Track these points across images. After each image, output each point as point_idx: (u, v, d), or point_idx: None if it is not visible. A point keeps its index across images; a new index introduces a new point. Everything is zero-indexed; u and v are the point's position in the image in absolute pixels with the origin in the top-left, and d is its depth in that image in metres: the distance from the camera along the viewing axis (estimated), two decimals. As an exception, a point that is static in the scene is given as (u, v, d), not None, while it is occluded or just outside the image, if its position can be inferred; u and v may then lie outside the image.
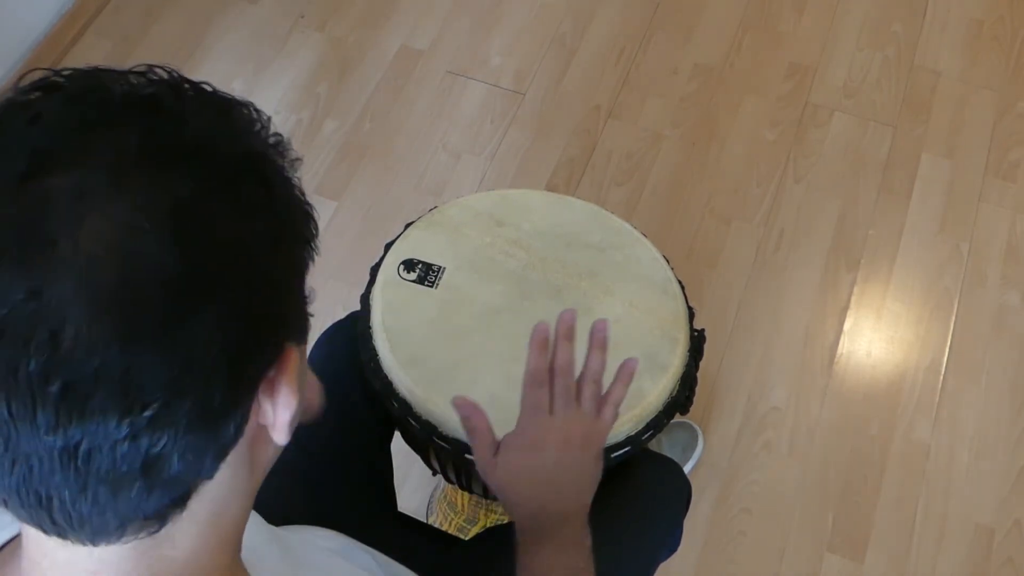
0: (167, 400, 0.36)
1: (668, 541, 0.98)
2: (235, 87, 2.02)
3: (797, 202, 1.82)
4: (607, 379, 0.76)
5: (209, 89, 0.42)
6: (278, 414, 0.42)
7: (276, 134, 0.43)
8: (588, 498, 0.72)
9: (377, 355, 0.90)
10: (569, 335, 0.74)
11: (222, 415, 0.39)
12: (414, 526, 1.04)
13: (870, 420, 1.61)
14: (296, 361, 0.42)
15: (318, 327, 1.18)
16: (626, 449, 0.87)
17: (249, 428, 0.41)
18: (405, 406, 0.87)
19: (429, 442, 0.87)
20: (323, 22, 2.11)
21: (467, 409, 0.74)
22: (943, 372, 1.65)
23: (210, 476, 0.41)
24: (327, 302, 1.75)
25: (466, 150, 1.91)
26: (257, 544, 0.55)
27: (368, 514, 0.96)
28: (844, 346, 1.68)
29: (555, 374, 0.73)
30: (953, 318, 1.70)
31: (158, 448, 0.36)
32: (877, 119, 1.91)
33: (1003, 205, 1.81)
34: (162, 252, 0.35)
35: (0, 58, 2.01)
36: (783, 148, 1.89)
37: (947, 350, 1.67)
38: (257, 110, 0.43)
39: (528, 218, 1.00)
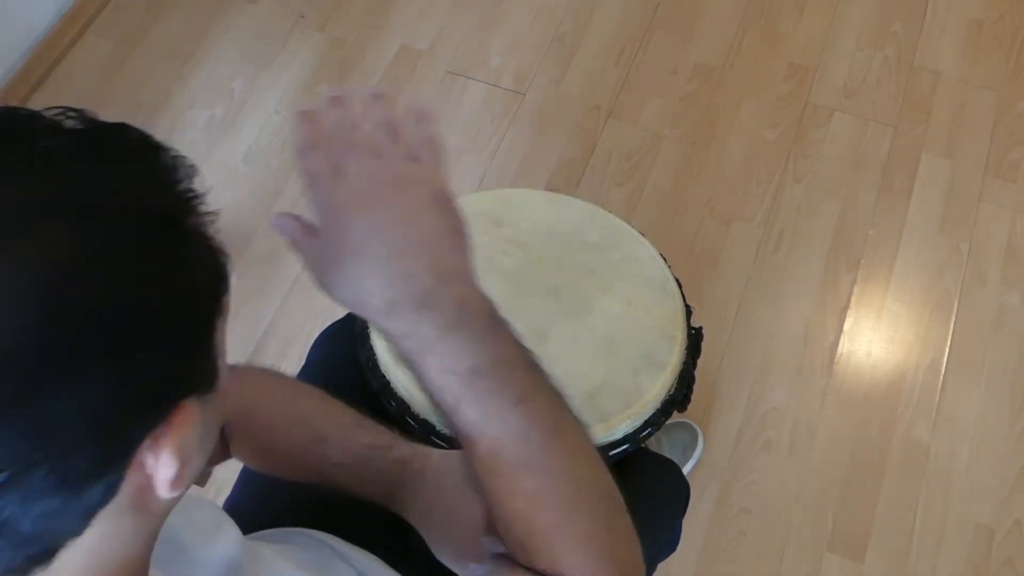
0: (17, 471, 0.34)
1: (667, 541, 0.98)
2: (235, 87, 2.02)
3: (797, 202, 1.82)
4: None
5: (125, 137, 0.39)
6: (159, 472, 0.39)
7: (189, 189, 0.40)
8: (458, 260, 0.53)
9: (375, 354, 0.90)
10: (337, 101, 0.56)
11: (86, 479, 0.36)
12: (413, 526, 1.04)
13: (870, 420, 1.61)
14: (193, 417, 0.40)
15: (318, 327, 1.19)
16: (624, 447, 0.87)
17: (130, 483, 0.39)
18: (403, 405, 0.87)
19: (427, 441, 0.87)
20: (323, 22, 2.11)
21: (284, 223, 0.56)
22: (943, 372, 1.65)
23: (78, 534, 0.38)
24: (326, 301, 1.75)
25: (466, 150, 1.91)
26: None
27: (366, 514, 0.96)
28: (844, 346, 1.68)
29: (331, 133, 0.55)
30: (953, 318, 1.70)
31: (4, 514, 0.35)
32: (877, 119, 1.91)
33: (1003, 205, 1.81)
34: (21, 327, 0.33)
35: (0, 58, 2.01)
36: (783, 148, 1.89)
37: (947, 350, 1.67)
38: (179, 158, 0.40)
39: (526, 217, 1.00)
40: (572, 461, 0.54)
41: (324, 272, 0.54)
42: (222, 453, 0.74)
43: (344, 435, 0.73)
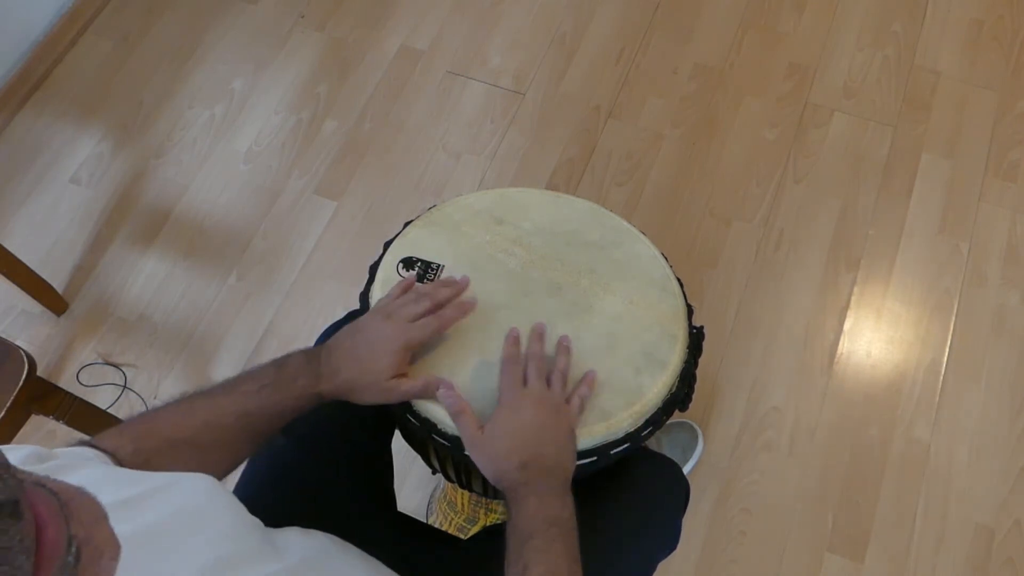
0: None
1: (666, 540, 0.98)
2: (235, 87, 2.02)
3: (797, 202, 1.82)
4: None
5: None
6: None
7: None
8: (568, 461, 0.80)
9: (376, 353, 0.90)
10: (540, 336, 0.89)
11: None
12: (414, 526, 1.04)
13: (870, 420, 1.61)
14: None
15: (318, 326, 1.19)
16: (625, 446, 0.86)
17: None
18: (404, 404, 0.87)
19: (428, 440, 0.87)
20: (323, 22, 2.11)
21: (450, 397, 0.83)
22: (943, 372, 1.65)
23: None
24: (327, 301, 1.76)
25: (466, 150, 1.91)
26: None
27: (367, 514, 0.96)
28: (844, 346, 1.68)
29: (528, 358, 0.87)
30: (953, 318, 1.70)
31: None
32: (877, 119, 1.91)
33: (1003, 205, 1.81)
34: None
35: (0, 58, 2.01)
36: (783, 148, 1.89)
37: (947, 350, 1.67)
38: None
39: (527, 216, 1.00)
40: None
41: (473, 447, 0.81)
42: None
43: (234, 401, 0.79)
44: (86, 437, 0.72)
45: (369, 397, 0.82)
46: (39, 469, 0.56)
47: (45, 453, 0.62)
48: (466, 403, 0.83)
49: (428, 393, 0.83)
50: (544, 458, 0.79)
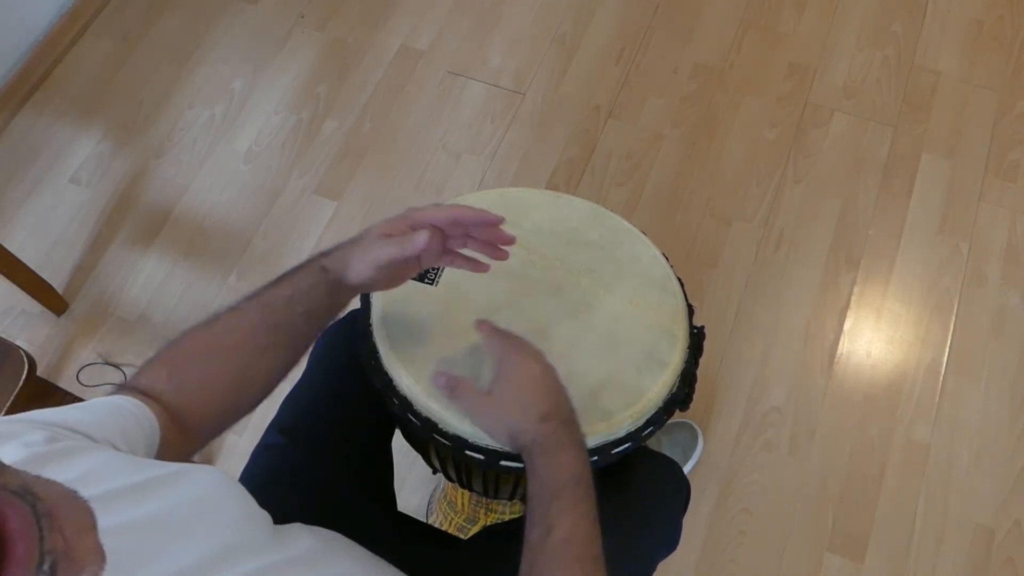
0: None
1: (667, 539, 0.98)
2: (235, 87, 2.02)
3: (797, 202, 1.82)
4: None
5: None
6: None
7: None
8: (571, 411, 0.78)
9: (377, 352, 0.90)
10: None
11: None
12: (414, 526, 1.04)
13: (870, 420, 1.61)
14: None
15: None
16: (626, 445, 0.86)
17: None
18: (405, 403, 0.87)
19: (429, 439, 0.87)
20: (323, 22, 2.11)
21: (440, 378, 0.81)
22: (943, 372, 1.65)
23: None
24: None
25: (466, 150, 1.91)
26: None
27: (367, 514, 0.96)
28: (844, 346, 1.68)
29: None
30: (953, 318, 1.70)
31: None
32: (877, 119, 1.91)
33: (1003, 205, 1.81)
34: None
35: (0, 58, 2.01)
36: (783, 148, 1.89)
37: (947, 350, 1.67)
38: None
39: (528, 216, 1.00)
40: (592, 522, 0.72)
41: (482, 414, 0.80)
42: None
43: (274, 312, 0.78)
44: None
45: (357, 261, 0.78)
46: (45, 452, 0.56)
47: (71, 421, 0.62)
48: (457, 376, 0.80)
49: (407, 246, 0.76)
50: (562, 408, 0.77)
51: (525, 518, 0.71)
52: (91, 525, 0.39)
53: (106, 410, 0.67)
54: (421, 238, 0.76)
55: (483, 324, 0.84)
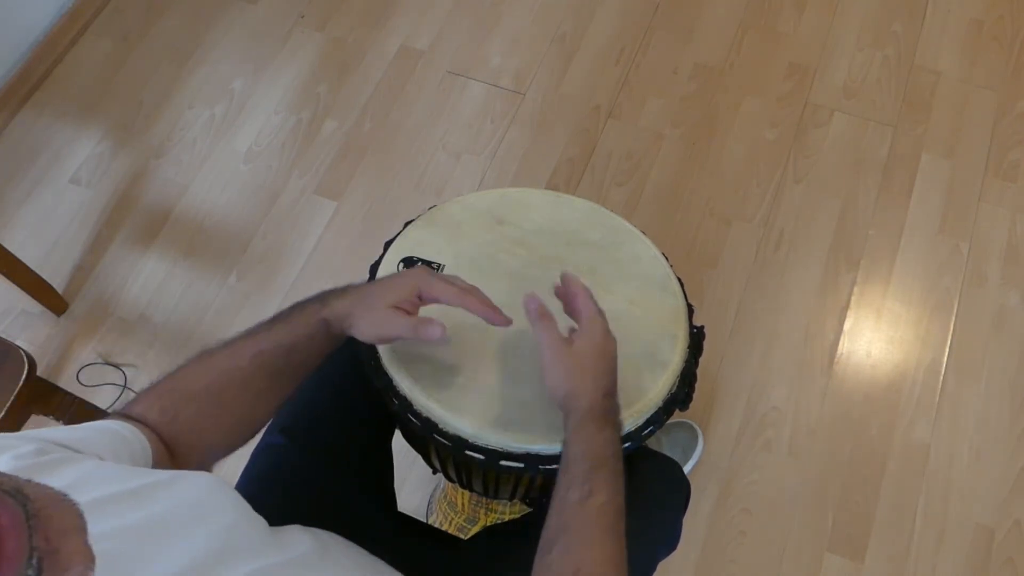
0: None
1: (667, 539, 0.98)
2: (235, 87, 2.02)
3: (797, 202, 1.82)
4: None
5: None
6: None
7: None
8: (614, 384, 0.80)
9: (377, 352, 0.90)
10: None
11: None
12: (414, 526, 1.04)
13: (870, 420, 1.61)
14: None
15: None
16: (626, 445, 0.86)
17: None
18: (405, 403, 0.87)
19: (429, 439, 0.87)
20: (323, 22, 2.11)
21: (533, 302, 0.79)
22: (943, 372, 1.65)
23: None
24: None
25: (466, 150, 1.91)
26: None
27: (367, 514, 0.96)
28: (844, 346, 1.68)
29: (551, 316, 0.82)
30: (953, 318, 1.70)
31: None
32: (877, 119, 1.91)
33: (1003, 205, 1.81)
34: None
35: (0, 58, 2.01)
36: (783, 148, 1.89)
37: (947, 350, 1.67)
38: None
39: (528, 216, 1.00)
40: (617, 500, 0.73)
41: (555, 359, 0.78)
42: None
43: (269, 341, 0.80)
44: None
45: (365, 326, 0.78)
46: (34, 463, 0.56)
47: (59, 437, 0.63)
48: (549, 311, 0.79)
49: (421, 333, 0.76)
50: (616, 392, 0.79)
51: (558, 480, 0.72)
52: (80, 527, 0.40)
53: (97, 431, 0.68)
54: (437, 331, 0.76)
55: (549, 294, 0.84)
